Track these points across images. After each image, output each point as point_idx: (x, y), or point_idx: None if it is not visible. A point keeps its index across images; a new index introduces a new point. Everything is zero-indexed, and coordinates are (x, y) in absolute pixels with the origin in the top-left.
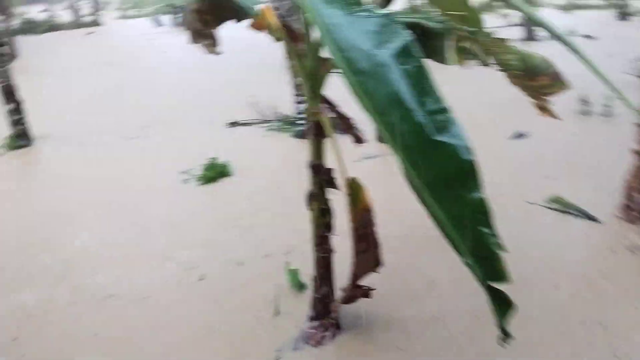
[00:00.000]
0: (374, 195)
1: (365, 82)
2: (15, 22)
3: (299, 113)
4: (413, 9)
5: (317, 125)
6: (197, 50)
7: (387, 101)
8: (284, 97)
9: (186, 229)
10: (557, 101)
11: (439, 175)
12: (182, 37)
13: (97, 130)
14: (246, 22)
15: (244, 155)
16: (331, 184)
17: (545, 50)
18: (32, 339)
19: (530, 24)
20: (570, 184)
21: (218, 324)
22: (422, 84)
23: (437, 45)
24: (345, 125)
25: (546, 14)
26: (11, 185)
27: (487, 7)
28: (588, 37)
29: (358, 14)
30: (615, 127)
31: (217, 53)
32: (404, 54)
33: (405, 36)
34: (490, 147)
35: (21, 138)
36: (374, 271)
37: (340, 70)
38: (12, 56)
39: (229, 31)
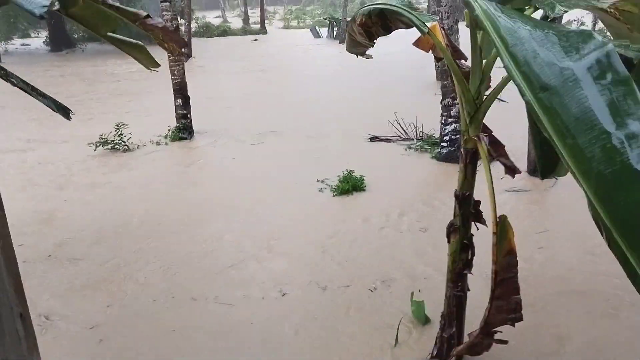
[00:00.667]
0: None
1: (551, 99)
2: (194, 25)
3: (444, 135)
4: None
5: (472, 153)
6: (350, 61)
7: (576, 121)
8: (430, 116)
9: (312, 240)
10: None
11: (637, 214)
12: (337, 49)
13: (246, 130)
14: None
15: (381, 171)
16: (477, 218)
17: None
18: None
19: None
20: None
21: (336, 346)
22: (624, 101)
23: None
24: (498, 153)
25: None
26: (169, 170)
27: None
28: None
29: (544, 27)
30: None
31: (369, 57)
32: (601, 66)
33: (603, 46)
34: None
35: (184, 131)
36: (511, 323)
37: (521, 89)
38: (188, 56)
39: (383, 44)
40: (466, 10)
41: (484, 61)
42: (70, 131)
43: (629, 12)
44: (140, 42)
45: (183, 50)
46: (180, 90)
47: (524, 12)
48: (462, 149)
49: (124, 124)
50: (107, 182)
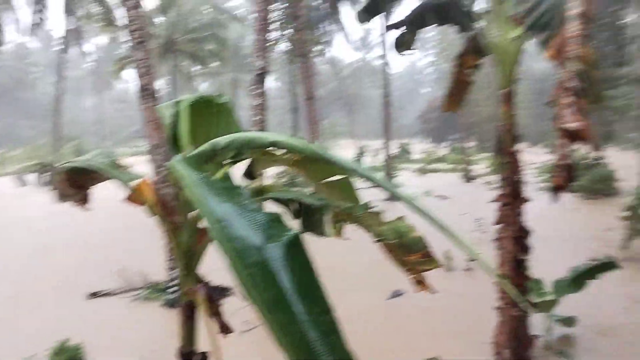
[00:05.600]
0: None
1: (254, 275)
2: None
3: (172, 279)
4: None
5: (190, 307)
6: (60, 212)
7: (274, 299)
8: (155, 262)
9: None
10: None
11: None
12: (46, 197)
13: None
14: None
15: (104, 332)
16: None
17: (404, 207)
18: None
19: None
20: (443, 344)
21: None
22: (307, 282)
23: (316, 219)
24: (214, 310)
25: (405, 178)
26: None
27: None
28: (443, 197)
29: (246, 206)
30: (477, 281)
31: (87, 209)
32: (290, 249)
33: (291, 232)
34: (369, 309)
35: None
36: None
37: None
38: None
39: (100, 191)
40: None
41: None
42: None
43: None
44: None
45: None
46: None
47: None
48: (180, 304)
49: None
50: None
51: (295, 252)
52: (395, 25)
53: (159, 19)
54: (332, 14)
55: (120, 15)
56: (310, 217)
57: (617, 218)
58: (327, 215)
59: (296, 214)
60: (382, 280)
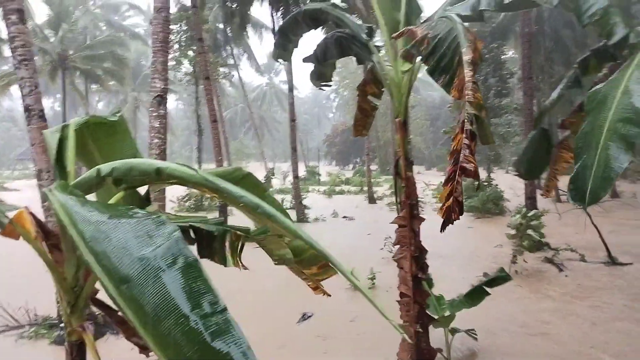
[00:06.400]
0: None
1: (132, 291)
2: None
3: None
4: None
5: (78, 346)
6: None
7: (156, 309)
8: (44, 296)
9: None
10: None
11: None
12: None
13: None
14: None
15: None
16: None
17: (313, 228)
18: None
19: (300, 207)
20: None
21: None
22: (196, 285)
23: (215, 247)
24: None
25: (313, 200)
26: None
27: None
28: (350, 218)
29: (120, 216)
30: (380, 300)
31: None
32: (173, 252)
33: (173, 232)
34: (278, 332)
35: None
36: None
37: (104, 284)
38: None
39: None
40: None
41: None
42: None
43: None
44: None
45: None
46: None
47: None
48: (66, 343)
49: None
50: None
51: (178, 255)
52: (307, 59)
53: (50, 33)
54: (238, 37)
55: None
56: (210, 244)
57: (506, 235)
58: (227, 241)
59: (194, 241)
60: (289, 304)
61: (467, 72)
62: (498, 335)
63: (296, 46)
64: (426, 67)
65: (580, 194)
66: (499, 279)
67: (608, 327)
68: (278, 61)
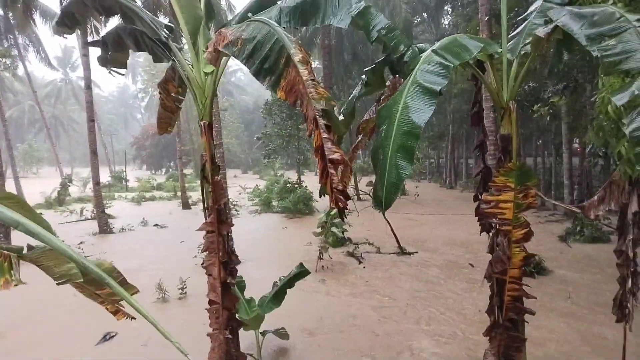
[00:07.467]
0: None
1: None
2: None
3: None
4: None
5: None
6: None
7: None
8: None
9: None
10: (137, 294)
11: None
12: None
13: None
14: None
15: None
16: None
17: (118, 239)
18: None
19: (103, 217)
20: None
21: None
22: None
23: None
24: None
25: (120, 208)
26: None
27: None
28: (160, 226)
29: None
30: (191, 309)
31: None
32: None
33: None
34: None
35: None
36: None
37: None
38: None
39: None
40: None
41: None
42: None
43: None
44: None
45: None
46: None
47: None
48: None
49: None
50: None
51: None
52: (94, 43)
53: None
54: (22, 25)
55: None
56: None
57: (313, 234)
58: None
59: None
60: (93, 321)
61: (303, 71)
62: (309, 330)
63: (84, 24)
64: (250, 70)
65: (378, 201)
66: (299, 274)
67: (403, 306)
68: (63, 36)
